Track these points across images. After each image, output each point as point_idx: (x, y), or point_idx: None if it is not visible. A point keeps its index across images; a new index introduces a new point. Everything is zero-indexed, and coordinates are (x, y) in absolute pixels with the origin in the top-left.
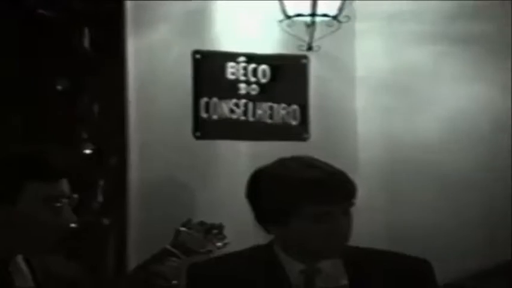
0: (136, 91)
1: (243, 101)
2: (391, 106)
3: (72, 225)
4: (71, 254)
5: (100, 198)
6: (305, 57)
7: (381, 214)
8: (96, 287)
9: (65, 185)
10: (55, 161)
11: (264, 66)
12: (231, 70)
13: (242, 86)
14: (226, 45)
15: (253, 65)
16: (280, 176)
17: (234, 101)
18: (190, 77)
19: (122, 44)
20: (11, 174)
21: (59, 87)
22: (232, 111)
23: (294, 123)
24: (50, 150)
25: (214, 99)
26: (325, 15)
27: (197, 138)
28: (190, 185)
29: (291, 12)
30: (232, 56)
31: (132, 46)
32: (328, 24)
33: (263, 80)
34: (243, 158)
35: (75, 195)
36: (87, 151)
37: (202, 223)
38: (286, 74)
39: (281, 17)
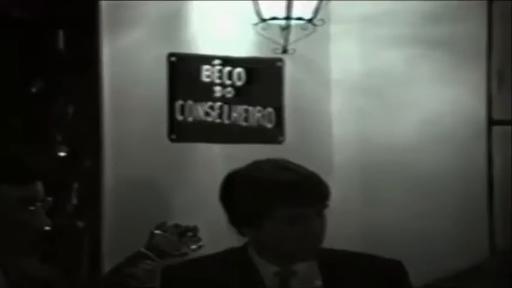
0: (112, 93)
1: (218, 103)
2: (366, 109)
3: (46, 228)
4: (45, 257)
5: (74, 200)
6: (280, 60)
7: (356, 216)
8: None
9: (39, 188)
10: (29, 164)
11: (239, 69)
12: (206, 73)
13: (217, 88)
14: (201, 47)
15: (228, 68)
16: (254, 179)
17: (209, 103)
18: (165, 79)
19: (97, 46)
20: None
21: (34, 89)
22: (207, 114)
23: (269, 126)
24: (24, 152)
25: (190, 102)
26: (300, 18)
27: (172, 140)
28: (165, 187)
29: (266, 15)
30: (208, 59)
31: (108, 48)
32: (303, 27)
33: (238, 83)
34: (218, 160)
35: (49, 198)
36: (62, 153)
37: (176, 225)
38: (262, 77)
39: (256, 20)
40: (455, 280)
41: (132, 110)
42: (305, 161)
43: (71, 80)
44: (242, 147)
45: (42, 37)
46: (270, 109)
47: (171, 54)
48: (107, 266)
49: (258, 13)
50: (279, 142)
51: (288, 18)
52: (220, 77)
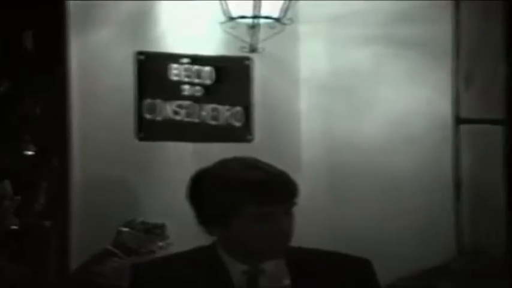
0: (79, 92)
1: (187, 102)
2: (335, 108)
3: (14, 227)
4: (12, 256)
5: (42, 199)
6: (249, 58)
7: (323, 214)
8: None
9: (6, 187)
10: None
11: (207, 68)
12: (175, 71)
13: (186, 87)
14: (169, 46)
15: (196, 67)
16: (221, 177)
17: (178, 102)
18: (133, 78)
19: (65, 46)
20: None
21: (1, 89)
22: (176, 112)
23: (237, 124)
24: None
25: (158, 101)
26: (268, 17)
27: (140, 139)
28: (133, 186)
29: (234, 14)
30: (176, 58)
31: (76, 47)
32: (271, 26)
33: (207, 82)
34: (186, 159)
35: (17, 197)
36: (30, 152)
37: (144, 223)
38: (230, 76)
39: (224, 18)
40: (422, 279)
41: (100, 109)
42: (273, 159)
43: (39, 80)
44: (211, 146)
45: (10, 37)
46: (238, 108)
47: (139, 53)
48: (75, 264)
49: (226, 12)
50: (248, 141)
51: (256, 17)
52: (188, 76)
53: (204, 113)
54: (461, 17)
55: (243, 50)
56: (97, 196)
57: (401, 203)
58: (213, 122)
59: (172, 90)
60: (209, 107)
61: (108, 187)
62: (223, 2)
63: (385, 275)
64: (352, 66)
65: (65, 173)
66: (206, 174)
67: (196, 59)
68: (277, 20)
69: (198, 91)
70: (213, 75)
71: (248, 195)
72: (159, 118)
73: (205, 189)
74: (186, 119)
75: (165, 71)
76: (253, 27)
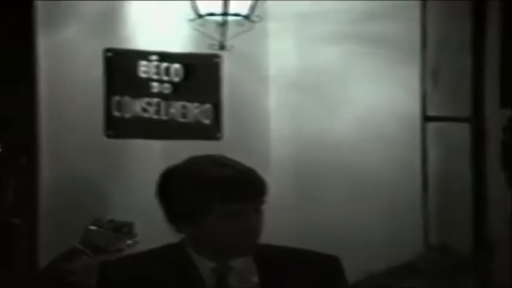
0: (48, 90)
1: (156, 99)
2: (303, 105)
3: None
4: None
5: (10, 197)
6: (218, 56)
7: (292, 212)
8: (6, 287)
9: None
10: None
11: (176, 65)
12: (144, 68)
13: (155, 84)
14: (138, 43)
15: (165, 64)
16: (190, 175)
17: (147, 99)
18: (102, 75)
19: (33, 43)
20: None
21: None
22: (144, 109)
23: (206, 122)
24: None
25: (127, 98)
26: (237, 14)
27: (109, 136)
28: (101, 183)
29: (202, 11)
30: (145, 55)
31: (43, 44)
32: (240, 24)
33: (176, 79)
34: (155, 157)
35: None
36: None
37: (112, 221)
38: (199, 73)
39: (193, 15)
40: (389, 276)
41: (68, 106)
42: (242, 156)
43: (7, 78)
44: (180, 144)
45: None
46: (207, 105)
47: (107, 50)
48: (43, 262)
49: (195, 9)
50: (217, 138)
51: (224, 14)
52: (157, 73)
53: (173, 111)
54: (428, 16)
55: (212, 47)
56: (65, 194)
57: (369, 201)
58: (182, 120)
59: (141, 88)
60: (178, 104)
61: (77, 185)
62: None
63: (352, 272)
64: (321, 64)
65: (33, 170)
66: (175, 171)
67: (165, 56)
68: (246, 17)
69: (166, 88)
70: (182, 73)
71: (217, 193)
72: (127, 115)
73: (175, 187)
74: (155, 117)
75: (133, 68)
76: (222, 25)
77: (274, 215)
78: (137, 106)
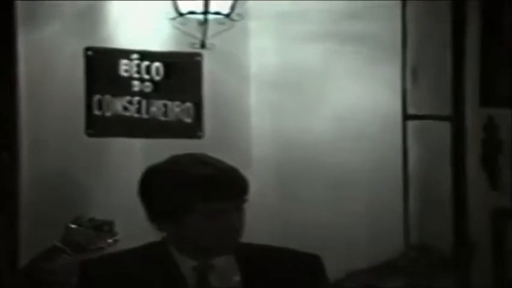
0: (28, 88)
1: (137, 98)
2: (284, 104)
3: None
4: None
5: None
6: (199, 54)
7: (273, 210)
8: None
9: None
10: None
11: (157, 64)
12: (124, 67)
13: (135, 83)
14: (119, 42)
15: (146, 62)
16: (171, 173)
17: (128, 98)
18: (83, 74)
19: (13, 41)
20: None
21: None
22: (125, 108)
23: (188, 120)
24: None
25: (107, 97)
26: (217, 13)
27: (90, 135)
28: (82, 182)
29: (183, 10)
30: (125, 53)
31: (24, 43)
32: (221, 22)
33: (157, 78)
34: (136, 155)
35: None
36: None
37: (92, 220)
38: (180, 72)
39: (174, 14)
40: (370, 274)
41: (49, 105)
42: (224, 155)
43: None
44: (161, 142)
45: None
46: (188, 104)
47: (88, 49)
48: (24, 260)
49: (176, 8)
50: (198, 137)
51: (205, 12)
52: (138, 72)
53: (154, 109)
54: (408, 15)
55: (193, 46)
56: (46, 192)
57: (350, 199)
58: (163, 118)
59: (122, 86)
60: (159, 103)
61: (57, 183)
62: None
63: (334, 271)
64: (302, 63)
65: (13, 168)
66: (157, 170)
67: (146, 55)
68: (226, 16)
69: (147, 87)
70: (163, 71)
71: (199, 192)
72: (108, 114)
73: (156, 186)
74: (136, 115)
75: (114, 66)
76: (203, 23)
77: (255, 213)
78: (118, 105)
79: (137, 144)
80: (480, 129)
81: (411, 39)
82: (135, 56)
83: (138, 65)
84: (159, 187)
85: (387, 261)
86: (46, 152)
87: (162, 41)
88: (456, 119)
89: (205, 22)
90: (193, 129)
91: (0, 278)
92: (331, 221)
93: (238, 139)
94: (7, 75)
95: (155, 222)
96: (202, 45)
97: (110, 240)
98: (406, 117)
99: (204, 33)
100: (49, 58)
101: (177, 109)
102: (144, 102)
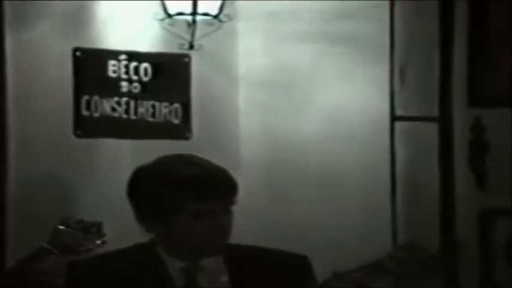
0: (16, 89)
1: (125, 99)
2: (273, 104)
3: None
4: None
5: None
6: (187, 55)
7: (262, 211)
8: None
9: None
10: None
11: (145, 64)
12: (113, 68)
13: (124, 84)
14: (107, 43)
15: (134, 63)
16: (160, 174)
17: (116, 99)
18: (71, 74)
19: (1, 41)
20: None
21: None
22: (113, 109)
23: (176, 121)
24: None
25: (96, 97)
26: (206, 14)
27: (78, 136)
28: (70, 183)
29: (172, 11)
30: (114, 54)
31: (11, 43)
32: (209, 23)
33: (145, 78)
34: (124, 156)
35: None
36: None
37: (80, 221)
38: (169, 73)
39: (162, 15)
40: (358, 274)
41: (37, 106)
42: (212, 156)
43: None
44: (149, 143)
45: None
46: (177, 105)
47: (76, 49)
48: (11, 261)
49: (164, 8)
50: (187, 138)
51: (194, 13)
52: (126, 72)
53: (142, 110)
54: (396, 16)
55: (181, 47)
56: (34, 193)
57: (339, 200)
58: (151, 119)
59: (110, 87)
60: (147, 103)
61: (45, 184)
62: None
63: (322, 271)
64: (291, 64)
65: (1, 170)
66: (145, 171)
67: (134, 56)
68: (215, 17)
69: (136, 88)
70: (151, 72)
71: (187, 192)
72: (96, 115)
73: (145, 187)
74: (124, 116)
75: (102, 67)
76: (191, 24)
77: (244, 214)
78: (106, 105)
79: (125, 145)
80: (467, 130)
81: (399, 39)
82: (123, 56)
83: (127, 66)
84: (148, 188)
85: (375, 261)
86: (34, 153)
87: (150, 42)
88: (443, 120)
89: (193, 23)
90: (182, 130)
91: None
92: (320, 221)
93: (227, 140)
94: None
95: (144, 223)
96: (191, 46)
97: (98, 242)
98: (393, 118)
99: (193, 34)
100: (37, 58)
101: (165, 110)
102: (132, 103)
